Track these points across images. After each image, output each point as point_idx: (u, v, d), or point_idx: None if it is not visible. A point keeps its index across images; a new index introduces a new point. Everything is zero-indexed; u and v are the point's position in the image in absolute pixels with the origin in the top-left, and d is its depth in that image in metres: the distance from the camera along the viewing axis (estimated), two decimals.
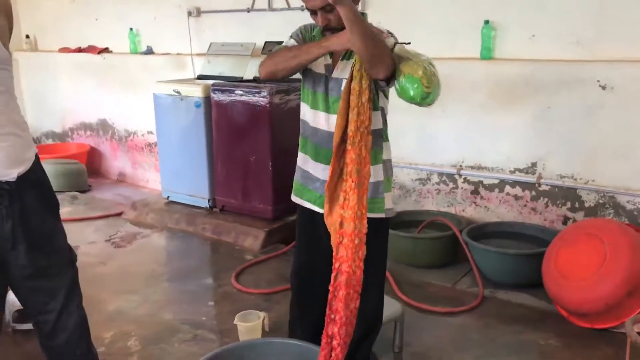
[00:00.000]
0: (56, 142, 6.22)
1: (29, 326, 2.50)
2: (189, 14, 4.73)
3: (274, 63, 2.02)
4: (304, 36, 2.09)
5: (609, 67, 3.10)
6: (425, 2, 3.65)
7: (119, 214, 4.56)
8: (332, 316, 1.84)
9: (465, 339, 2.76)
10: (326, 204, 1.93)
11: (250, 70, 4.28)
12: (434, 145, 3.77)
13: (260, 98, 3.83)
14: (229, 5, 4.51)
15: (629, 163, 3.13)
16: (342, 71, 2.00)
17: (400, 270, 3.43)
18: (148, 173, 5.49)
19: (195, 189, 4.35)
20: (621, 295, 2.63)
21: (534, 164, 3.43)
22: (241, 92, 3.92)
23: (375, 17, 3.82)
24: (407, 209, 3.89)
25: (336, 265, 1.84)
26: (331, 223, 1.89)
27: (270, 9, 4.32)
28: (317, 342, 2.01)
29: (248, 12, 4.42)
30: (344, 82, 1.96)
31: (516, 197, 3.54)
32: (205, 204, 4.32)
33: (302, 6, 2.01)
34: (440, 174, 3.79)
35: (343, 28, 1.84)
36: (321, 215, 2.04)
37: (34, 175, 1.65)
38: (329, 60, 2.03)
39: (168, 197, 4.53)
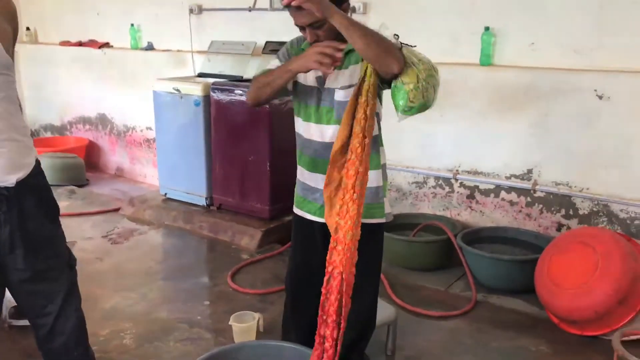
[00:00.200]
0: (55, 135, 6.23)
1: (25, 322, 2.52)
2: (191, 11, 4.74)
3: (254, 90, 2.05)
4: (289, 54, 2.09)
5: (606, 77, 3.13)
6: (426, 8, 3.67)
7: (116, 210, 4.58)
8: (324, 317, 1.86)
9: (457, 344, 2.80)
10: (326, 209, 1.94)
11: (251, 69, 4.29)
12: (431, 149, 3.80)
13: None
14: (231, 3, 4.52)
15: (623, 172, 3.16)
16: (335, 81, 2.00)
17: (395, 272, 3.47)
18: (146, 168, 5.51)
19: (193, 186, 4.37)
20: (611, 304, 2.66)
21: (529, 171, 3.46)
22: (241, 92, 3.93)
23: (376, 24, 3.84)
24: (404, 212, 3.92)
25: (329, 268, 1.87)
26: (330, 224, 1.91)
27: (272, 8, 4.31)
28: (311, 344, 2.05)
29: (250, 11, 4.42)
30: (337, 92, 1.97)
31: (511, 203, 3.57)
32: (202, 202, 4.34)
33: None
34: (437, 178, 3.82)
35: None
36: (319, 222, 2.09)
37: (34, 180, 1.66)
38: (320, 72, 1.99)
39: (165, 194, 4.55)
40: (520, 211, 3.54)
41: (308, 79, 2.05)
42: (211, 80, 4.24)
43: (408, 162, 3.88)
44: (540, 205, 3.46)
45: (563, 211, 3.39)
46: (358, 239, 1.87)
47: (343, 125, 1.87)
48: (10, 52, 1.63)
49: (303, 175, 2.18)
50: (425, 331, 2.88)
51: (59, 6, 5.84)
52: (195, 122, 4.23)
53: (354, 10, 3.82)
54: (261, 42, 4.29)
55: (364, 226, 1.90)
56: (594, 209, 3.28)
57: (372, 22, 3.82)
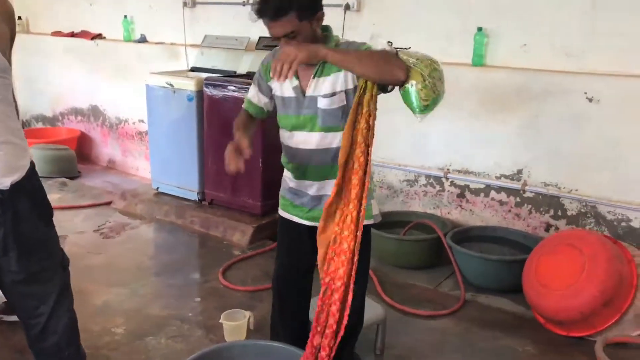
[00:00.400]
0: (46, 126, 6.19)
1: (16, 318, 2.52)
2: (184, 4, 4.71)
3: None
4: (261, 75, 2.16)
5: (596, 80, 3.15)
6: (420, 7, 3.67)
7: (108, 203, 4.58)
8: (319, 328, 1.87)
9: (445, 343, 2.84)
10: (322, 221, 1.94)
11: (244, 64, 4.28)
12: (423, 148, 3.82)
13: None
14: None
15: (611, 175, 3.20)
16: (316, 89, 2.03)
17: (385, 270, 3.50)
18: (138, 161, 5.50)
19: (184, 181, 4.37)
20: (597, 305, 2.71)
21: (519, 171, 3.50)
22: (234, 88, 3.93)
23: (370, 21, 3.81)
24: (395, 210, 3.95)
25: (326, 279, 1.87)
26: (324, 239, 1.92)
27: None
28: (298, 344, 2.08)
29: (243, 5, 4.40)
30: (320, 100, 2.00)
31: (501, 203, 3.60)
32: (194, 196, 4.35)
33: None
34: (428, 176, 3.85)
35: None
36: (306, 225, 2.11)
37: (28, 183, 1.65)
38: (296, 82, 2.05)
39: (157, 188, 4.55)
40: (509, 211, 3.58)
41: (285, 91, 2.09)
42: (204, 75, 4.23)
43: (400, 160, 3.90)
44: (530, 206, 3.50)
45: (552, 212, 3.43)
46: (358, 249, 1.89)
47: (345, 136, 1.87)
48: (7, 55, 1.62)
49: (292, 180, 2.21)
50: (415, 330, 2.92)
51: None
52: (188, 117, 4.22)
53: (347, 7, 3.82)
54: (255, 38, 4.28)
55: None
56: (582, 210, 3.33)
57: (365, 19, 3.86)
